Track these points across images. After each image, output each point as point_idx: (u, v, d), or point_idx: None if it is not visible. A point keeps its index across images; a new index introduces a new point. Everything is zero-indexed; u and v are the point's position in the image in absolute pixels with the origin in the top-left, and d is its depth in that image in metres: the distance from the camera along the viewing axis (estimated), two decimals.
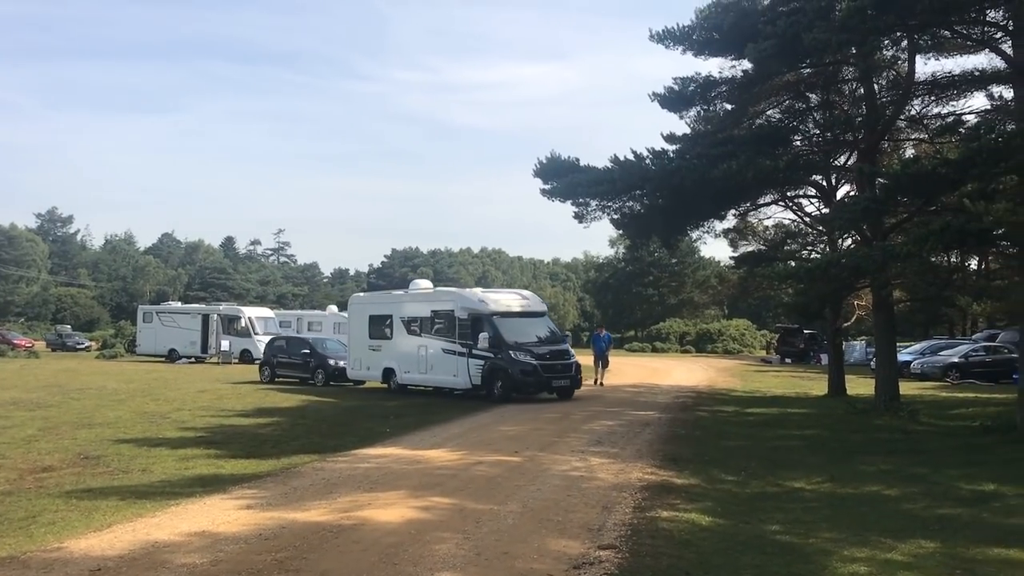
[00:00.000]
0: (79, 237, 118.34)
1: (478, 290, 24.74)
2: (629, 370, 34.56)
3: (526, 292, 26.23)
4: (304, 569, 6.80)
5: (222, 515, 8.72)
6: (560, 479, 10.99)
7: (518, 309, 23.35)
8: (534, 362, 21.77)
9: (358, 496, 9.71)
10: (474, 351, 22.21)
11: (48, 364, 41.13)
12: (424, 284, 27.27)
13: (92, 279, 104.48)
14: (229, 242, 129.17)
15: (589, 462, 12.32)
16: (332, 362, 28.18)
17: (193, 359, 43.59)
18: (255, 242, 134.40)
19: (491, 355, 21.98)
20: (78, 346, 60.62)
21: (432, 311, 24.35)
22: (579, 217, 20.96)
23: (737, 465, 12.42)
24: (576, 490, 10.32)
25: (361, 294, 35.03)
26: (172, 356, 44.15)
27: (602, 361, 29.08)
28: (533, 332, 22.95)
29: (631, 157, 18.46)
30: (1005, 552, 7.66)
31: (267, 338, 43.91)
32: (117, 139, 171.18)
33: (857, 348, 45.34)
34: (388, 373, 25.25)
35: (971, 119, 18.71)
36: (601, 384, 28.21)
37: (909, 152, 23.65)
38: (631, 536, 8.06)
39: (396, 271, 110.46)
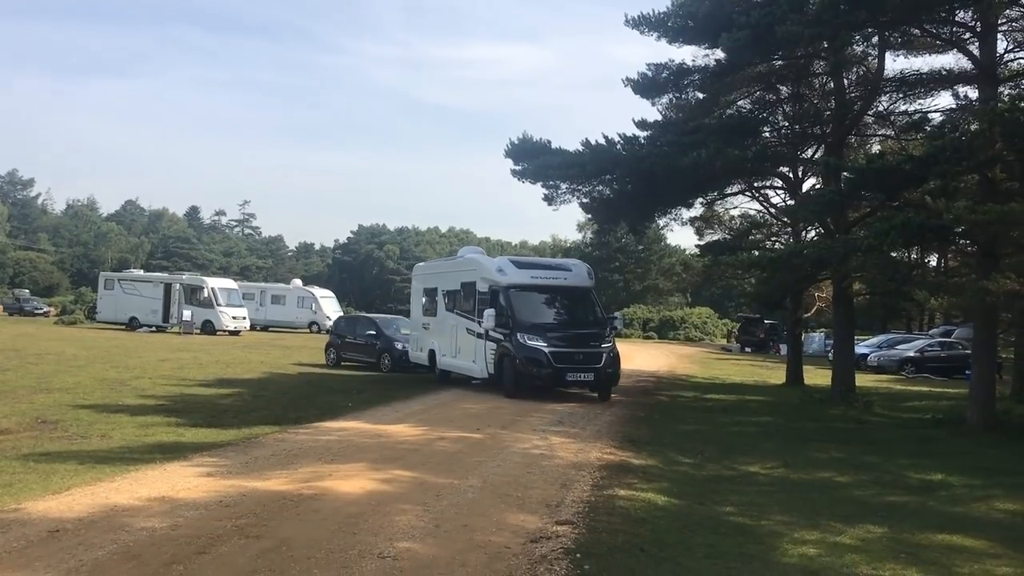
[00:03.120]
0: (40, 201, 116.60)
1: (504, 258, 20.03)
2: None
3: (572, 262, 21.33)
4: (264, 536, 6.85)
5: (182, 482, 8.72)
6: (520, 456, 11.12)
7: (545, 282, 19.09)
8: (544, 348, 17.60)
9: (319, 467, 9.75)
10: (491, 333, 18.59)
11: (4, 328, 40.56)
12: (472, 252, 22.09)
13: (52, 244, 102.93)
14: (193, 211, 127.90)
15: (549, 441, 12.46)
16: (400, 345, 24.70)
17: (154, 328, 43.20)
18: (220, 212, 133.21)
19: (502, 337, 18.29)
20: (36, 311, 59.93)
21: (461, 283, 20.62)
22: (549, 200, 21.05)
23: (694, 448, 12.64)
24: (536, 467, 10.44)
25: (422, 263, 28.78)
26: (132, 324, 43.79)
27: None
28: (561, 310, 19.14)
29: (602, 142, 18.56)
30: (948, 538, 7.91)
31: (231, 310, 43.91)
32: (79, 103, 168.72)
33: (816, 339, 46.07)
34: (432, 356, 21.89)
35: (937, 117, 19.07)
36: None
37: (876, 148, 24.04)
38: (588, 513, 8.19)
39: (362, 248, 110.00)
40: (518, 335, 17.78)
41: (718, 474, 10.86)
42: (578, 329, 18.55)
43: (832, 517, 8.51)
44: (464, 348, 19.90)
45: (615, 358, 18.34)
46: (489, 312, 18.35)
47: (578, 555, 6.73)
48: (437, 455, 10.95)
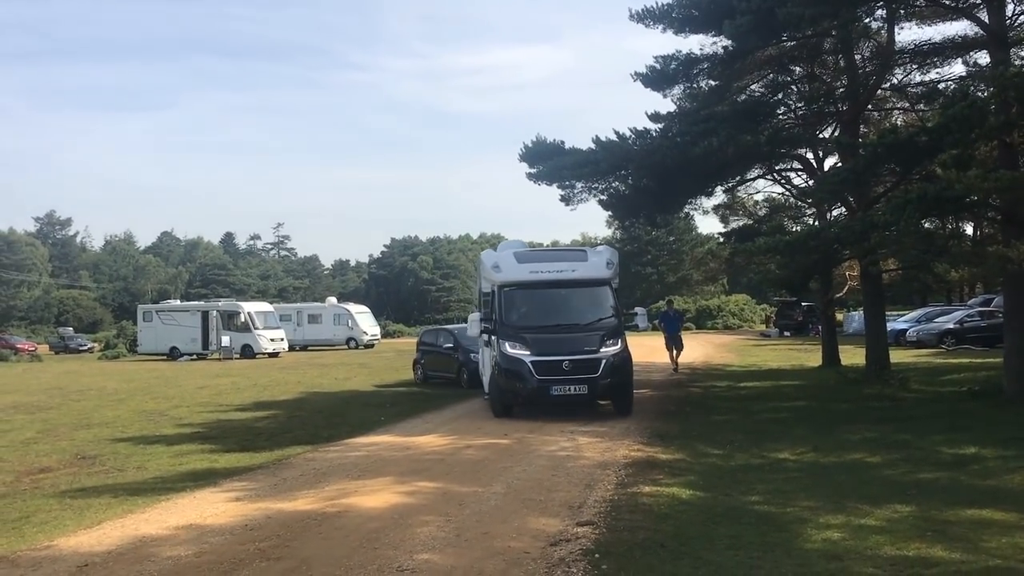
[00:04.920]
0: (79, 239, 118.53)
1: (506, 252, 17.68)
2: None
3: (592, 249, 18.43)
4: (286, 557, 6.96)
5: (211, 508, 8.88)
6: (546, 459, 11.15)
7: (548, 276, 16.30)
8: (526, 357, 15.08)
9: (346, 484, 9.87)
10: (489, 340, 16.56)
11: (51, 367, 41.40)
12: (499, 249, 19.17)
13: (93, 280, 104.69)
14: (229, 238, 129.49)
15: (576, 441, 12.48)
16: (475, 357, 20.94)
17: (195, 356, 43.83)
18: (255, 237, 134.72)
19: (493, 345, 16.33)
20: (81, 348, 61.01)
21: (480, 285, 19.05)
22: (565, 200, 21.03)
23: (724, 439, 12.57)
24: (561, 469, 10.47)
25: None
26: (173, 354, 44.43)
27: (675, 343, 25.69)
28: (563, 309, 16.34)
29: (614, 138, 18.51)
30: (978, 513, 7.81)
31: (268, 332, 44.46)
32: (110, 139, 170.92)
33: (856, 318, 45.39)
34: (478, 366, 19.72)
35: (952, 86, 18.77)
36: (676, 371, 25.18)
37: (899, 121, 23.72)
38: (610, 512, 8.21)
39: (396, 260, 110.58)
40: (501, 342, 15.58)
41: (746, 463, 10.79)
42: (572, 332, 15.66)
43: (859, 499, 8.44)
44: (484, 359, 17.96)
45: (619, 366, 15.30)
46: (473, 317, 16.78)
47: (596, 555, 6.76)
48: (462, 464, 11.03)
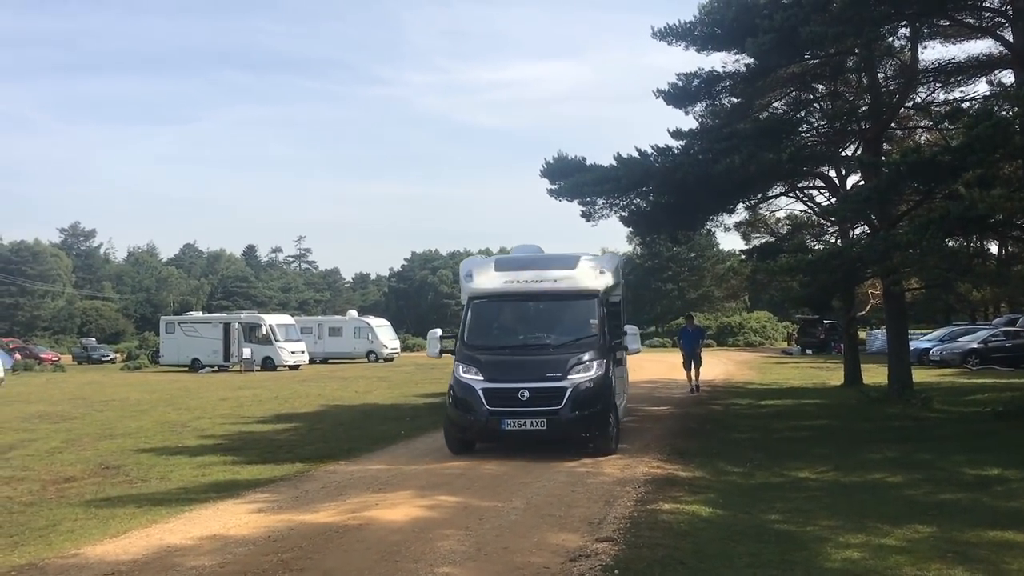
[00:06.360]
0: (102, 250, 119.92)
1: (480, 258, 15.85)
2: (648, 366, 34.59)
3: (584, 256, 14.56)
4: (308, 568, 7.03)
5: (234, 519, 8.97)
6: (566, 475, 11.17)
7: (524, 287, 13.78)
8: (477, 384, 12.71)
9: (367, 497, 9.94)
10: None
11: (74, 377, 41.78)
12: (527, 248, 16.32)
13: (116, 292, 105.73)
14: (251, 250, 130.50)
15: (596, 458, 12.47)
16: None
17: (216, 368, 44.12)
18: (276, 249, 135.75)
19: None
20: (103, 358, 61.56)
21: None
22: (586, 216, 21.08)
23: (744, 457, 12.53)
24: (581, 485, 10.50)
25: None
26: (195, 365, 44.72)
27: (695, 361, 24.32)
28: (535, 326, 14.05)
29: (635, 155, 18.58)
30: (1000, 534, 7.77)
31: (289, 345, 44.70)
32: (134, 152, 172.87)
33: (879, 337, 45.03)
34: None
35: (976, 106, 18.72)
36: (697, 389, 24.10)
37: (923, 139, 23.67)
38: (630, 528, 8.21)
39: (416, 274, 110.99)
40: (456, 365, 13.25)
41: (767, 482, 10.77)
42: (537, 354, 13.19)
43: (880, 519, 8.41)
44: None
45: (592, 396, 12.54)
46: (433, 333, 14.58)
47: (616, 571, 6.78)
48: (482, 478, 11.07)
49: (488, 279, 14.08)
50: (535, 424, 12.37)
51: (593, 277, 13.89)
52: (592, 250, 14.77)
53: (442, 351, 14.02)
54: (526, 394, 12.39)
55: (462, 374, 12.98)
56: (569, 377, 12.53)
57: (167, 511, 9.52)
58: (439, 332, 14.49)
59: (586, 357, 12.80)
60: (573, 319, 13.82)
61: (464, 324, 13.74)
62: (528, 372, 12.71)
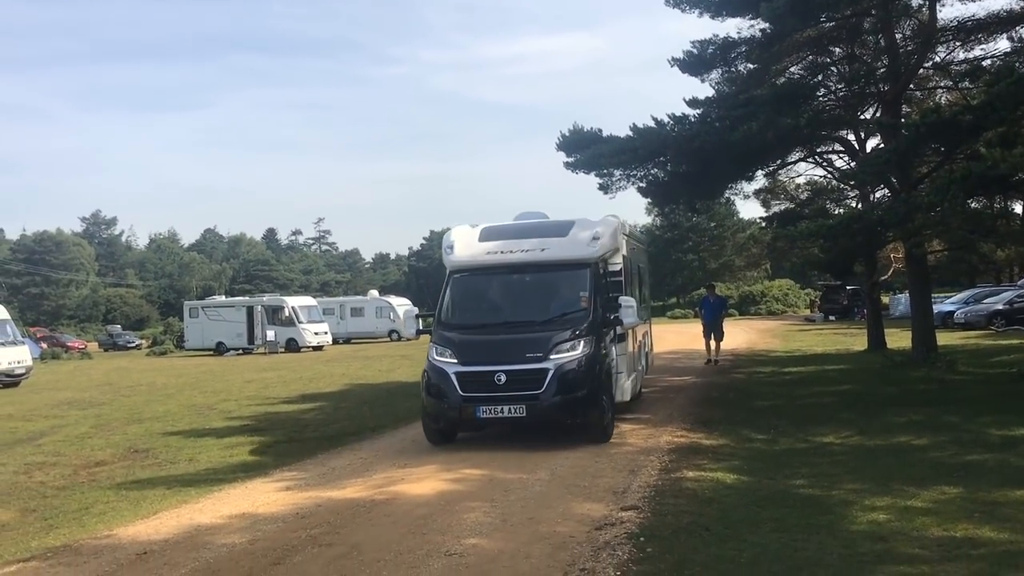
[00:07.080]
0: (124, 238, 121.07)
1: (466, 227, 13.32)
2: (670, 337, 34.51)
3: (579, 222, 12.87)
4: (336, 543, 7.11)
5: (262, 497, 9.08)
6: (590, 446, 11.20)
7: (508, 259, 12.45)
8: (450, 368, 11.50)
9: (392, 472, 10.03)
10: None
11: (100, 364, 42.28)
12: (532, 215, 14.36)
13: (139, 278, 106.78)
14: (271, 234, 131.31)
15: (620, 428, 12.47)
16: None
17: (240, 351, 44.48)
18: (296, 232, 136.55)
19: None
20: (129, 345, 62.26)
21: None
22: (604, 188, 20.96)
23: (768, 424, 12.51)
24: (604, 456, 10.53)
25: None
26: (220, 349, 45.11)
27: (715, 333, 23.57)
28: (519, 302, 12.63)
29: (652, 124, 18.45)
30: None
31: (312, 326, 44.97)
32: (152, 139, 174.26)
33: (903, 301, 44.74)
34: None
35: (997, 63, 18.42)
36: (716, 362, 23.36)
37: (944, 100, 23.33)
38: (655, 497, 8.25)
39: (435, 253, 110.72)
40: (431, 347, 12.10)
41: (791, 447, 10.77)
42: (517, 333, 11.77)
43: (905, 481, 8.39)
44: None
45: (578, 378, 11.20)
46: (409, 312, 14.02)
47: (641, 539, 6.81)
48: (507, 451, 11.10)
49: (469, 250, 12.72)
50: (513, 411, 11.16)
51: (584, 244, 12.46)
52: None
53: (419, 331, 13.10)
54: (503, 378, 11.13)
55: (436, 357, 11.79)
56: (551, 358, 11.20)
57: (196, 491, 9.65)
58: (415, 311, 13.64)
59: (572, 335, 11.45)
60: (561, 292, 12.51)
61: (442, 301, 12.53)
62: (506, 353, 11.38)
